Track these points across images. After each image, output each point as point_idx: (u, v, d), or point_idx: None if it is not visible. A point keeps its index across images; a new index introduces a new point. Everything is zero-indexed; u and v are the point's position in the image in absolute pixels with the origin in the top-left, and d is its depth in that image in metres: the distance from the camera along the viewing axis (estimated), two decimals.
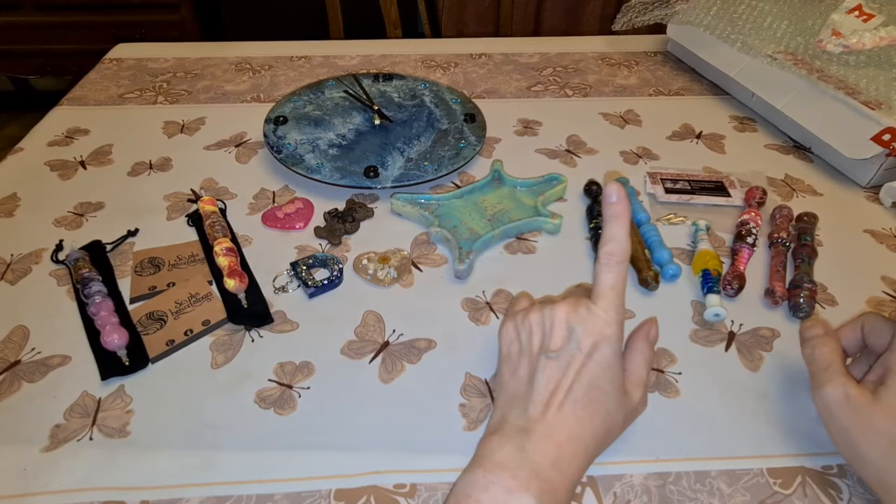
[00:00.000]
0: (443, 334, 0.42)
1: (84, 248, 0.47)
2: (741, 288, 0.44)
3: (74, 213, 0.52)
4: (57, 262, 0.47)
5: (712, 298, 0.43)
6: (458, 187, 0.55)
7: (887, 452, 0.29)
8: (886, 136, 0.53)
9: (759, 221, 0.49)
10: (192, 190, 0.55)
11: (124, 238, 0.49)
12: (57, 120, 0.66)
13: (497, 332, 0.36)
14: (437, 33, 1.71)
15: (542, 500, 0.27)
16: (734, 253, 0.47)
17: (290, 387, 0.38)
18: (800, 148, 0.63)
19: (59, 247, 0.48)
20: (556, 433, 0.29)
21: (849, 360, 0.37)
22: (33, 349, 0.40)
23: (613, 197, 0.32)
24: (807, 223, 0.50)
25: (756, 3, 0.71)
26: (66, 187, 0.55)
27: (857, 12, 0.64)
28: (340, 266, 0.46)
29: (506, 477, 0.28)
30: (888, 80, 0.58)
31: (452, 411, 0.37)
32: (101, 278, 0.43)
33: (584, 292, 0.33)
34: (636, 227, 0.50)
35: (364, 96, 0.64)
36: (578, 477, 0.30)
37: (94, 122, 0.65)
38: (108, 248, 0.48)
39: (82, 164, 0.59)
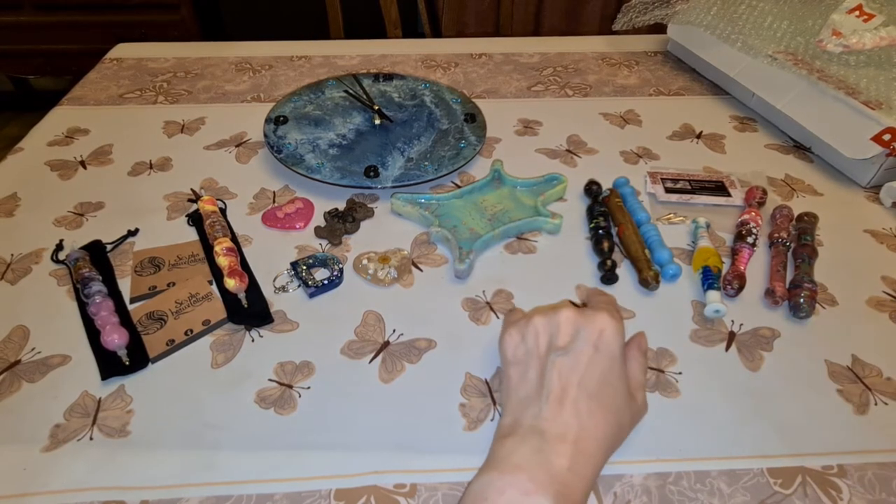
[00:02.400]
0: (443, 334, 0.42)
1: (84, 247, 0.47)
2: (741, 288, 0.44)
3: (74, 213, 0.52)
4: (57, 261, 0.47)
5: (713, 295, 0.43)
6: (459, 187, 0.55)
7: None
8: (887, 136, 0.53)
9: (760, 221, 0.49)
10: (192, 190, 0.55)
11: (124, 238, 0.49)
12: (57, 120, 0.66)
13: (498, 334, 0.36)
14: (437, 33, 1.71)
15: (559, 502, 0.27)
16: (734, 253, 0.47)
17: (290, 387, 0.38)
18: (800, 148, 0.63)
19: (60, 246, 0.48)
20: (570, 431, 0.29)
21: None
22: (33, 349, 0.40)
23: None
24: (807, 223, 0.50)
25: (756, 3, 0.71)
26: (66, 187, 0.55)
27: (857, 12, 0.64)
28: (340, 266, 0.46)
29: (523, 479, 0.27)
30: (888, 79, 0.58)
31: (452, 411, 0.37)
32: (101, 278, 0.43)
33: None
34: (636, 226, 0.50)
35: (364, 96, 0.64)
36: (593, 478, 0.30)
37: (94, 121, 0.65)
38: (109, 247, 0.48)
39: (82, 163, 0.59)
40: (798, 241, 0.48)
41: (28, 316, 0.42)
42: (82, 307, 0.42)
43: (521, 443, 0.29)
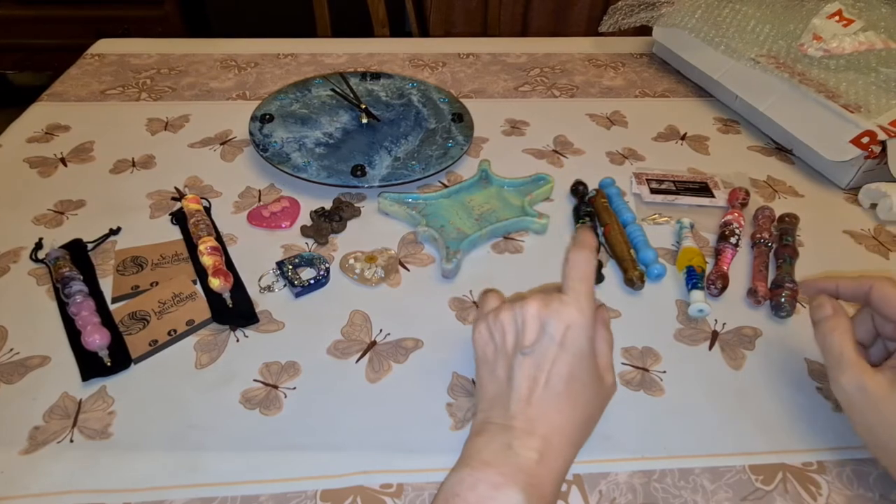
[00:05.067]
0: (430, 334, 0.42)
1: (64, 246, 0.46)
2: (724, 287, 0.45)
3: (54, 211, 0.51)
4: (36, 260, 0.46)
5: (696, 294, 0.44)
6: (446, 187, 0.55)
7: None
8: (865, 139, 0.54)
9: (742, 222, 0.50)
10: (175, 188, 0.54)
11: (106, 237, 0.48)
12: (36, 116, 0.64)
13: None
14: (424, 32, 1.70)
15: (529, 493, 0.27)
16: (718, 253, 0.48)
17: (275, 387, 0.38)
18: (782, 150, 0.64)
19: (39, 245, 0.47)
20: (538, 427, 0.30)
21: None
22: (11, 350, 0.39)
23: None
24: (788, 224, 0.51)
25: (740, 7, 0.72)
26: (45, 185, 0.54)
27: (837, 17, 0.66)
28: (327, 265, 0.46)
29: (492, 474, 0.28)
30: (867, 83, 0.59)
31: (439, 411, 0.37)
32: (81, 277, 0.43)
33: (555, 289, 0.34)
34: (622, 227, 0.50)
35: (351, 95, 0.63)
36: (565, 470, 0.30)
37: (74, 118, 0.64)
38: (90, 246, 0.47)
39: (63, 161, 0.58)
40: (780, 242, 0.49)
41: (6, 316, 0.41)
42: (62, 307, 0.41)
43: (491, 440, 0.30)
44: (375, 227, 0.51)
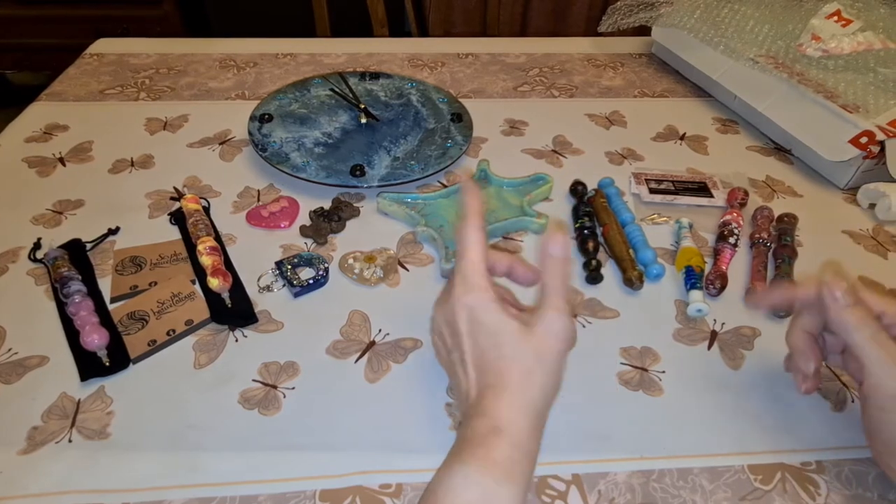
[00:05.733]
0: (429, 334, 0.42)
1: (63, 246, 0.46)
2: (723, 287, 0.45)
3: (53, 211, 0.51)
4: (35, 260, 0.46)
5: (695, 294, 0.44)
6: (445, 187, 0.55)
7: None
8: (864, 139, 0.54)
9: (741, 222, 0.50)
10: (174, 188, 0.54)
11: (105, 236, 0.48)
12: (35, 116, 0.64)
13: None
14: (423, 32, 1.70)
15: (480, 464, 0.27)
16: (717, 253, 0.48)
17: (274, 387, 0.38)
18: (780, 150, 0.64)
19: (37, 245, 0.47)
20: (486, 409, 0.29)
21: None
22: (10, 350, 0.39)
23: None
24: (787, 224, 0.51)
25: (738, 7, 0.72)
26: (44, 184, 0.54)
27: (835, 17, 0.66)
28: (326, 265, 0.46)
29: (450, 457, 0.29)
30: (865, 84, 0.59)
31: (438, 411, 0.37)
32: (80, 277, 0.43)
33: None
34: (621, 227, 0.50)
35: (350, 95, 0.63)
36: (529, 435, 0.29)
37: (73, 118, 0.64)
38: (88, 246, 0.47)
39: (61, 160, 0.57)
40: (778, 242, 0.49)
41: (5, 316, 0.41)
42: (61, 307, 0.41)
43: (464, 434, 0.30)
44: (374, 226, 0.51)
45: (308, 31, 1.40)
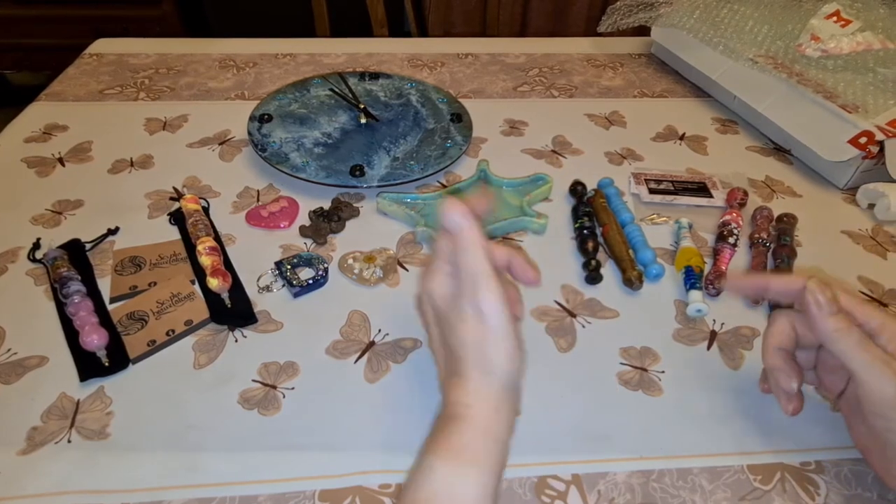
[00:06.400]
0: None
1: (62, 246, 0.46)
2: (723, 288, 0.45)
3: (52, 211, 0.51)
4: (34, 260, 0.46)
5: (695, 294, 0.44)
6: (445, 187, 0.55)
7: None
8: (863, 140, 0.54)
9: (741, 222, 0.50)
10: (174, 188, 0.54)
11: (104, 237, 0.48)
12: (34, 116, 0.64)
13: None
14: (423, 32, 1.70)
15: (442, 453, 0.27)
16: (716, 253, 0.48)
17: (274, 387, 0.38)
18: (780, 150, 0.64)
19: (37, 245, 0.47)
20: (446, 401, 0.30)
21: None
22: (9, 350, 0.39)
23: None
24: (786, 224, 0.51)
25: (738, 8, 0.72)
26: (43, 184, 0.54)
27: (835, 18, 0.66)
28: (326, 265, 0.46)
29: (419, 451, 0.28)
30: (864, 84, 0.59)
31: (438, 411, 0.37)
32: (79, 278, 0.43)
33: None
34: (620, 227, 0.50)
35: (350, 95, 0.63)
36: (494, 418, 0.28)
37: (73, 118, 0.64)
38: (88, 246, 0.47)
39: (60, 160, 0.57)
40: (778, 242, 0.49)
41: (4, 316, 0.41)
42: (60, 307, 0.41)
43: (432, 426, 0.30)
44: (374, 227, 0.51)
45: (308, 31, 1.40)
